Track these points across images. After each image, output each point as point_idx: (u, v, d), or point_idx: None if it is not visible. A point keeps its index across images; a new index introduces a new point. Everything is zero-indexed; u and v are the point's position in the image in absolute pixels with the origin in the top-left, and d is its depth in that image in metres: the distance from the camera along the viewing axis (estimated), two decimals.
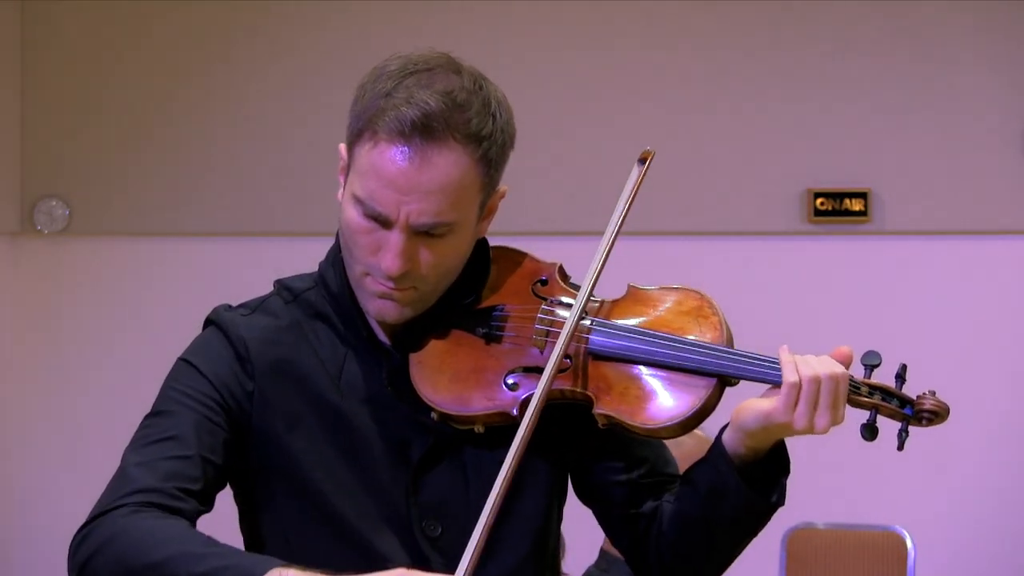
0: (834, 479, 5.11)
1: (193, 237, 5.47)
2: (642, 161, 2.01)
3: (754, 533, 2.01)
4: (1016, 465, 5.25)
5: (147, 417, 1.96)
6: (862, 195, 5.31)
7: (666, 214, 5.28)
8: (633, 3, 5.38)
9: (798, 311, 5.31)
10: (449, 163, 1.86)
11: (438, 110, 1.85)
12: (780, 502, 1.99)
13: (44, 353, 5.51)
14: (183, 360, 1.99)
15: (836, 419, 1.90)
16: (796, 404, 1.89)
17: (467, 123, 1.87)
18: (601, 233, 2.00)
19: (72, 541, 1.85)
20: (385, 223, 1.88)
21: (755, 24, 5.34)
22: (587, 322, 1.95)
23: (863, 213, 5.31)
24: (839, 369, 1.91)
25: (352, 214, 1.91)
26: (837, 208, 5.31)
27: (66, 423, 5.48)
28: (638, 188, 2.00)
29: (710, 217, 5.33)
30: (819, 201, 5.31)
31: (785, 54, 5.34)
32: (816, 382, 1.89)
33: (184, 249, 5.47)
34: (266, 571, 1.74)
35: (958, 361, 5.26)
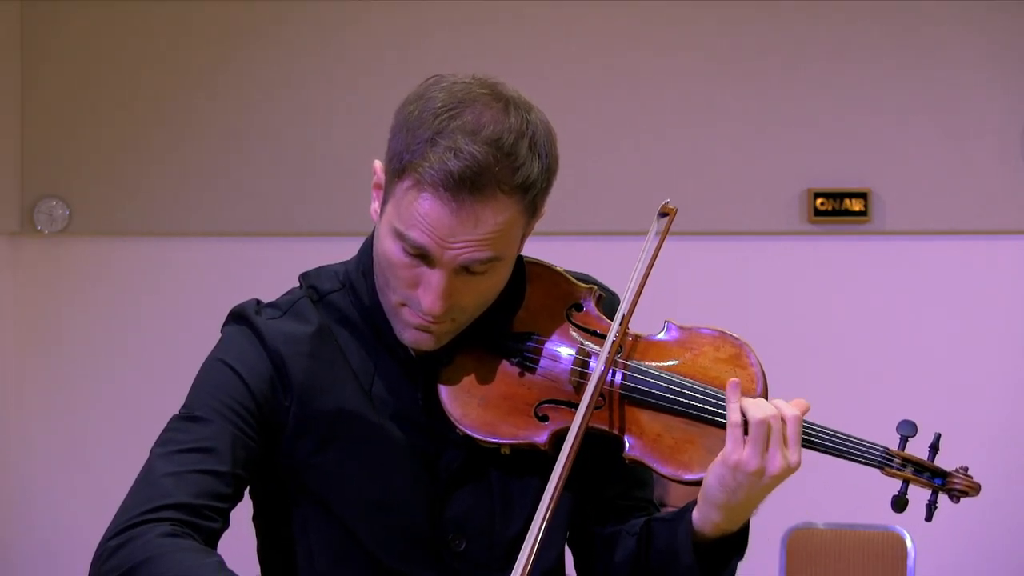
0: (834, 479, 5.11)
1: (193, 237, 5.47)
2: (663, 215, 1.97)
3: None
4: (1016, 465, 5.25)
5: (179, 419, 1.91)
6: (862, 195, 5.31)
7: None
8: (634, 3, 5.38)
9: (798, 311, 5.31)
10: (495, 214, 1.83)
11: (485, 163, 1.81)
12: None
13: (44, 353, 5.51)
14: (222, 361, 1.93)
15: (790, 459, 1.87)
16: (744, 443, 1.86)
17: (514, 173, 1.84)
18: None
19: (99, 551, 1.80)
20: (427, 261, 1.86)
21: (755, 24, 5.34)
22: (623, 363, 1.94)
23: (863, 213, 5.31)
24: (790, 411, 1.88)
25: (392, 248, 1.87)
26: (837, 208, 5.31)
27: (66, 423, 5.48)
28: (660, 245, 1.95)
29: (710, 217, 5.33)
30: (819, 201, 5.31)
31: (785, 54, 5.33)
32: (764, 424, 1.86)
33: (184, 249, 5.47)
34: None
35: (958, 361, 5.26)
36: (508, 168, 1.83)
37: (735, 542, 1.95)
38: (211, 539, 1.84)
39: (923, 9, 5.30)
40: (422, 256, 1.85)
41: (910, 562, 4.43)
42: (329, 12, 5.44)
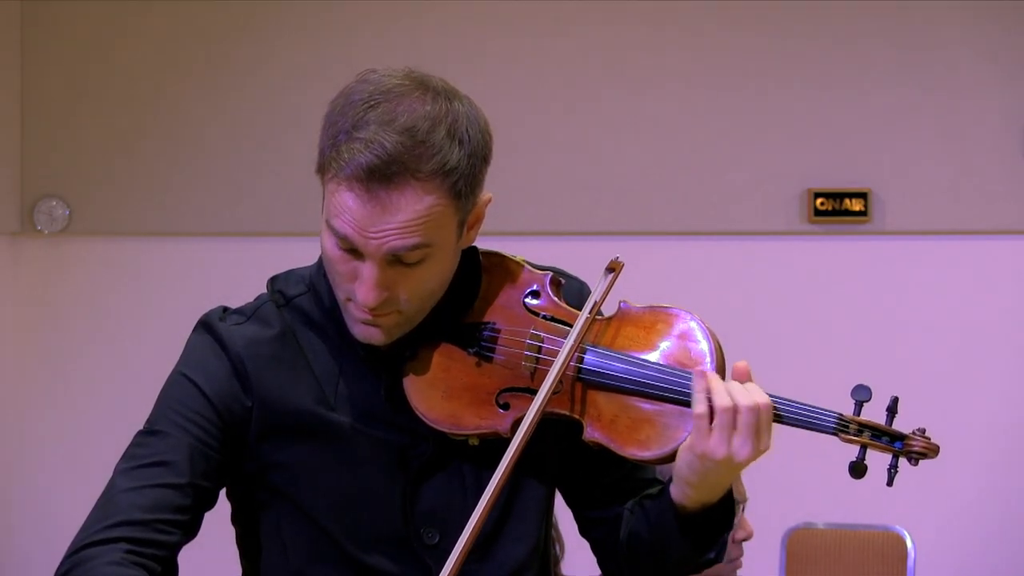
0: (834, 479, 5.09)
1: (193, 237, 5.47)
2: (610, 271, 1.97)
3: (699, 572, 1.98)
4: (1016, 465, 5.25)
5: (141, 434, 1.95)
6: (862, 195, 5.31)
7: (666, 214, 5.28)
8: (633, 2, 5.38)
9: (798, 311, 5.31)
10: (412, 201, 1.84)
11: (395, 152, 1.82)
12: (718, 559, 1.96)
13: (44, 353, 5.51)
14: (181, 374, 1.97)
15: (759, 447, 1.86)
16: (710, 432, 1.85)
17: (429, 159, 1.84)
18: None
19: (57, 570, 1.85)
20: (357, 254, 1.87)
21: (755, 23, 5.34)
22: (577, 346, 1.93)
23: (863, 213, 5.31)
24: (760, 399, 1.86)
25: (328, 243, 1.90)
26: (837, 208, 5.31)
27: (66, 423, 5.48)
28: (604, 297, 1.95)
29: (710, 217, 5.33)
30: (819, 201, 5.31)
31: (785, 54, 5.33)
32: (730, 411, 1.85)
33: (184, 249, 5.47)
34: None
35: (958, 361, 5.26)
36: (422, 155, 1.83)
37: (720, 517, 1.94)
38: (171, 551, 1.88)
39: (923, 9, 5.29)
40: (351, 250, 1.87)
41: (910, 562, 4.43)
42: (330, 12, 5.44)
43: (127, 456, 1.92)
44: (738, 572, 3.12)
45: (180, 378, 1.97)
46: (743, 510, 3.09)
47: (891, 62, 5.30)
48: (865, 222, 5.31)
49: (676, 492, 1.92)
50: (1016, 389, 5.26)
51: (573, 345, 1.91)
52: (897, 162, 5.31)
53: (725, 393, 1.87)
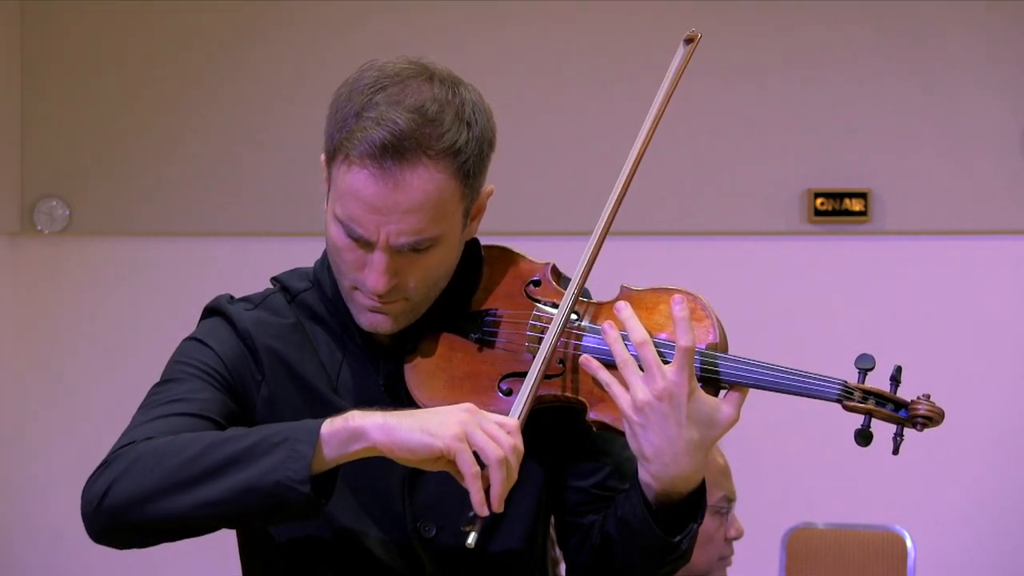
0: (834, 479, 5.11)
1: (193, 237, 5.47)
2: (688, 41, 2.00)
3: (666, 567, 1.96)
4: (1016, 465, 5.25)
5: (154, 387, 1.95)
6: (862, 195, 5.31)
7: (666, 214, 5.28)
8: (633, 3, 5.38)
9: (798, 311, 5.31)
10: (424, 181, 1.85)
11: (408, 129, 1.84)
12: (685, 546, 1.93)
13: (44, 353, 5.51)
14: (194, 339, 1.98)
15: (657, 380, 1.85)
16: (628, 389, 1.86)
17: (440, 138, 1.85)
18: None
19: (86, 485, 1.84)
20: (367, 244, 1.88)
21: (755, 24, 5.34)
22: (580, 324, 1.94)
23: (863, 213, 5.31)
24: (635, 336, 1.88)
25: (335, 232, 1.90)
26: (837, 208, 5.31)
27: (66, 423, 5.48)
28: (682, 72, 1.97)
29: (710, 217, 5.33)
30: (819, 201, 5.31)
31: (785, 54, 5.34)
32: (625, 363, 1.87)
33: (184, 249, 5.47)
34: (318, 427, 1.73)
35: (958, 361, 5.26)
36: (432, 133, 1.85)
37: (689, 508, 1.92)
38: None
39: (923, 9, 5.30)
40: (362, 242, 1.87)
41: (910, 562, 4.43)
42: (329, 13, 5.44)
43: (142, 405, 1.92)
44: (738, 573, 3.12)
45: (192, 341, 1.98)
46: (733, 509, 3.09)
47: (891, 62, 5.30)
48: (865, 222, 5.32)
49: (641, 472, 1.90)
50: (1016, 389, 5.26)
51: (563, 317, 1.90)
52: (897, 162, 5.31)
53: (616, 346, 1.88)
